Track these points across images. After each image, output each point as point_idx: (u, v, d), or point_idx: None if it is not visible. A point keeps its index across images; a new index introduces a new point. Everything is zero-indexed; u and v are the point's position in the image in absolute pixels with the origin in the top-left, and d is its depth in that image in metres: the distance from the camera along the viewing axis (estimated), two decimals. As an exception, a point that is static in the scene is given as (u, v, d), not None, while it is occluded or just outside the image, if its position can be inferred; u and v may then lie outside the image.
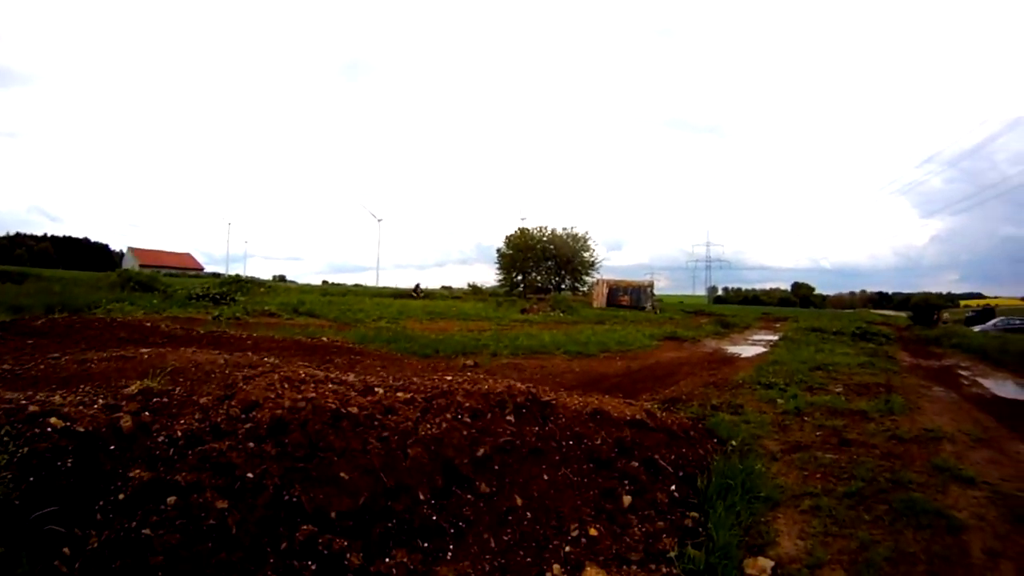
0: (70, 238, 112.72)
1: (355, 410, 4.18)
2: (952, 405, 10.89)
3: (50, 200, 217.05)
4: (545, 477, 4.63)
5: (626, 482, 4.99)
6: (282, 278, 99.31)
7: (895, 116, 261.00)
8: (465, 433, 4.46)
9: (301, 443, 3.82)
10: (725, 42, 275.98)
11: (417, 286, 59.98)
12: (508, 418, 4.95)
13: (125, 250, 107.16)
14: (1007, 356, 19.84)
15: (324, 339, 12.28)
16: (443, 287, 79.91)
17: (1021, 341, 24.60)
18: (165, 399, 4.31)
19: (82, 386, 4.57)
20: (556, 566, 3.88)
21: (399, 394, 4.70)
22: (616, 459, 5.22)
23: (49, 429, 3.51)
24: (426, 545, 3.73)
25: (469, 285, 70.86)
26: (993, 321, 46.97)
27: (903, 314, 65.13)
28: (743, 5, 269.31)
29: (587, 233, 73.52)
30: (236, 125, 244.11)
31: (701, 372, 13.73)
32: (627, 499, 4.76)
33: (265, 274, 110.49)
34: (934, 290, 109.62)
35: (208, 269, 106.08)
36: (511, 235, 72.07)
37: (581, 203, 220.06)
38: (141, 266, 76.50)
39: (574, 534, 4.21)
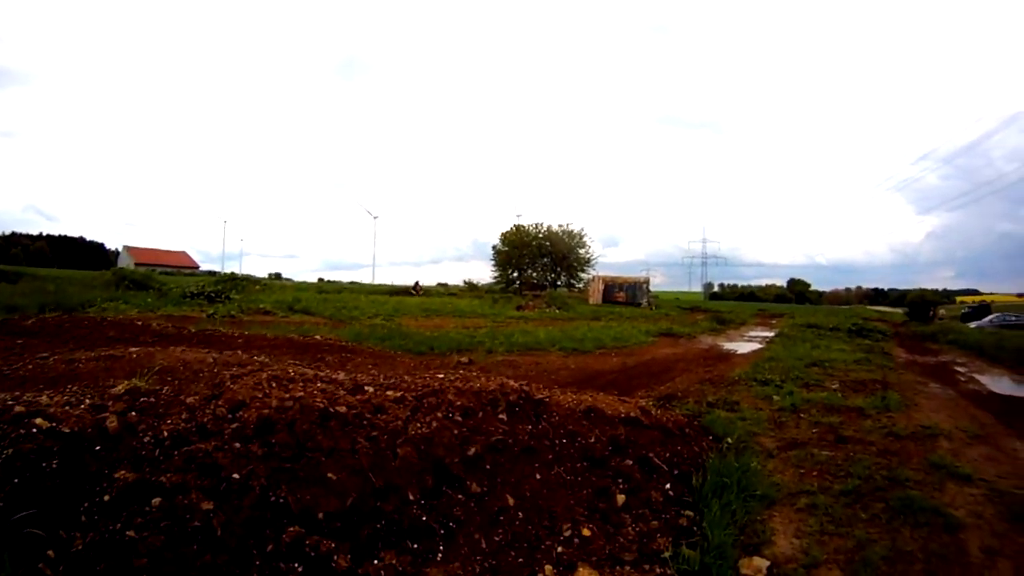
0: (66, 237, 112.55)
1: (343, 409, 4.11)
2: (949, 402, 10.88)
3: (46, 199, 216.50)
4: (538, 476, 4.57)
5: (620, 481, 4.93)
6: (278, 276, 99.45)
7: (891, 112, 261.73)
8: (456, 432, 4.40)
9: (288, 443, 3.75)
10: (720, 38, 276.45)
11: (416, 284, 60.15)
12: (500, 416, 4.89)
13: (121, 249, 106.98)
14: (1003, 352, 19.89)
15: (317, 337, 12.23)
16: (439, 284, 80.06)
17: (1017, 337, 24.71)
18: (152, 399, 4.23)
19: (69, 386, 4.50)
20: (548, 567, 3.82)
21: (389, 392, 4.63)
22: (610, 457, 5.16)
23: (34, 430, 3.44)
24: (415, 546, 3.67)
25: (465, 282, 71.03)
26: (989, 317, 47.24)
27: (899, 310, 65.29)
28: (738, 2, 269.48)
29: (583, 230, 73.87)
30: (232, 123, 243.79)
31: (697, 369, 13.72)
32: (621, 498, 4.70)
33: (261, 272, 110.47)
34: (930, 286, 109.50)
35: (204, 267, 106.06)
36: (507, 232, 72.46)
37: (577, 200, 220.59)
38: (137, 264, 76.48)
39: (567, 534, 4.15)
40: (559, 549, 4.01)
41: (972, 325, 41.67)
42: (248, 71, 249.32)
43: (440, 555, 3.69)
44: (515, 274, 72.06)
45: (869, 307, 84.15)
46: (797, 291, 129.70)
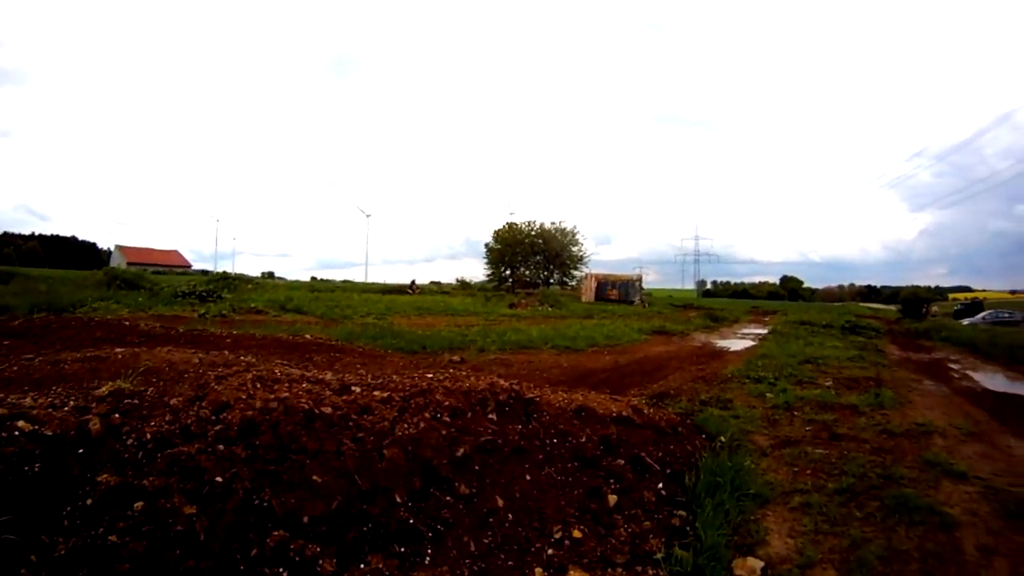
0: (58, 237, 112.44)
1: (329, 410, 4.03)
2: (942, 399, 10.87)
3: (38, 199, 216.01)
4: (528, 477, 4.50)
5: (612, 481, 4.87)
6: (271, 275, 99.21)
7: (884, 110, 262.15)
8: (444, 433, 4.32)
9: (272, 445, 3.67)
10: (714, 36, 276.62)
11: (413, 282, 60.26)
12: (490, 416, 4.82)
13: (113, 248, 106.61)
14: (997, 349, 19.95)
15: (308, 336, 12.15)
16: (432, 282, 79.74)
17: (1010, 334, 24.84)
18: (136, 400, 4.14)
19: (54, 388, 4.40)
20: (538, 569, 3.76)
21: (376, 393, 4.55)
22: (601, 457, 5.10)
23: (16, 433, 3.37)
24: (403, 549, 3.60)
25: (457, 280, 70.86)
26: (982, 314, 47.43)
27: (892, 307, 65.47)
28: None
29: (575, 227, 74.09)
30: (224, 122, 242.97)
31: (690, 366, 13.68)
32: (612, 498, 4.64)
33: (254, 271, 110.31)
34: (923, 284, 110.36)
35: (196, 266, 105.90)
36: (500, 230, 72.33)
37: (570, 197, 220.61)
38: (129, 264, 76.09)
39: (557, 536, 4.09)
40: (550, 551, 3.95)
41: (965, 322, 41.84)
42: (240, 69, 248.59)
43: (428, 558, 3.62)
44: (508, 272, 72.09)
45: (862, 304, 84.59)
46: (790, 288, 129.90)
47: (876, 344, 22.42)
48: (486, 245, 73.72)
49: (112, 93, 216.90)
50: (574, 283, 69.03)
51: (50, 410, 3.72)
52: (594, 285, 56.22)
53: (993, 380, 14.44)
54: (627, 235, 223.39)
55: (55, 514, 3.11)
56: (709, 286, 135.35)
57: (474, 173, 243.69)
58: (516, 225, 72.60)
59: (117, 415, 3.83)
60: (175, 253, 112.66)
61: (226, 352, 6.85)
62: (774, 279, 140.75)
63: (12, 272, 34.49)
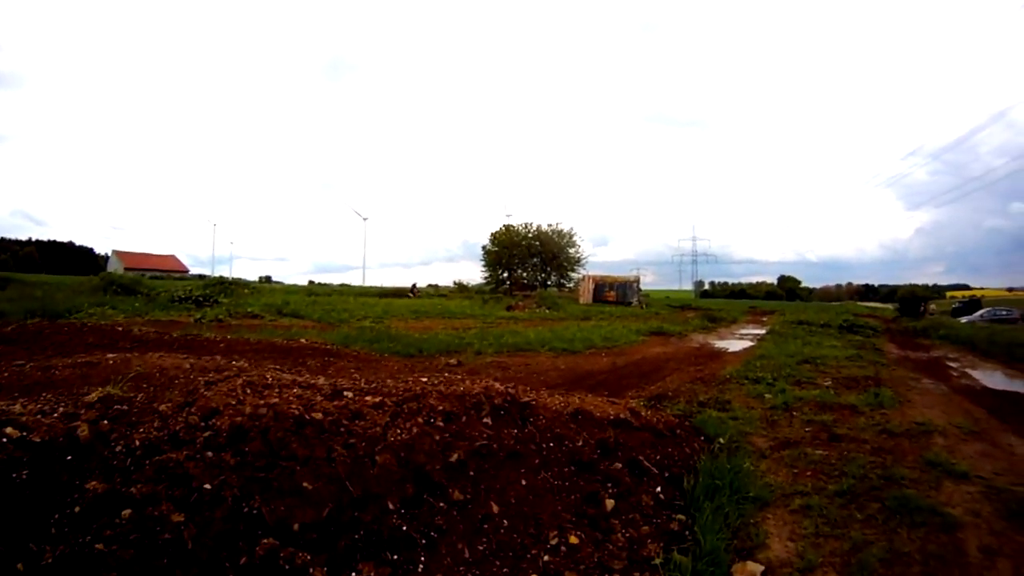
0: (55, 242, 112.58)
1: (319, 416, 3.96)
2: (942, 397, 10.82)
3: (35, 204, 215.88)
4: (523, 482, 4.43)
5: (609, 485, 4.81)
6: (268, 279, 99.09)
7: (879, 108, 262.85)
8: (438, 438, 4.25)
9: (262, 452, 3.61)
10: (709, 35, 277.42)
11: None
12: (485, 421, 4.75)
13: (110, 253, 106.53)
14: (995, 347, 19.94)
15: (303, 340, 12.07)
16: (429, 285, 79.75)
17: (1008, 331, 24.82)
18: (125, 406, 4.09)
19: (44, 394, 4.35)
20: (534, 576, 3.70)
21: (368, 398, 4.47)
22: (598, 461, 5.04)
23: (4, 440, 3.34)
24: (395, 557, 3.53)
25: (455, 283, 70.84)
26: (980, 312, 47.51)
27: (890, 306, 65.64)
28: None
29: (573, 229, 74.06)
30: (221, 126, 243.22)
31: (688, 368, 13.65)
32: (610, 503, 4.57)
33: (251, 275, 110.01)
34: (920, 282, 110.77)
35: (194, 271, 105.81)
36: (497, 232, 72.24)
37: (567, 199, 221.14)
38: (126, 269, 76.05)
39: (553, 542, 4.01)
40: (545, 558, 3.88)
41: (963, 320, 41.91)
42: (235, 73, 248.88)
43: (421, 566, 3.56)
44: (505, 274, 72.01)
45: (860, 303, 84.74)
46: (788, 288, 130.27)
47: (874, 343, 22.41)
48: (483, 248, 73.70)
49: (109, 97, 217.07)
50: (571, 285, 68.99)
51: (39, 416, 3.68)
52: (591, 287, 56.22)
53: (992, 378, 14.41)
54: (624, 236, 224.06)
55: (43, 522, 3.08)
56: (707, 287, 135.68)
57: (471, 176, 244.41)
58: (513, 227, 72.59)
59: (106, 422, 3.79)
60: (172, 258, 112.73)
61: (218, 357, 6.80)
62: (771, 279, 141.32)
63: (8, 278, 34.59)
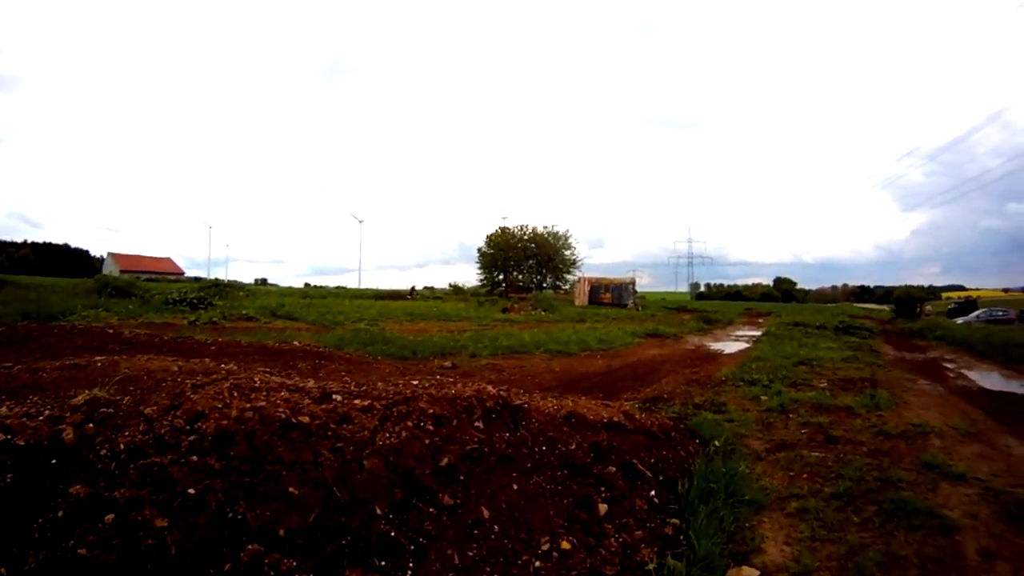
0: (50, 244, 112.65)
1: (306, 419, 3.89)
2: (939, 399, 10.79)
3: (31, 206, 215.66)
4: (515, 486, 4.37)
5: (602, 489, 4.75)
6: (264, 281, 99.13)
7: (875, 110, 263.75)
8: (427, 442, 4.18)
9: (247, 456, 3.53)
10: (706, 37, 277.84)
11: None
12: (476, 424, 4.68)
13: (105, 255, 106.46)
14: (991, 347, 19.94)
15: (295, 343, 12.02)
16: (425, 287, 79.72)
17: (1005, 332, 24.81)
18: (111, 409, 4.03)
19: (31, 396, 4.30)
20: (526, 583, 3.63)
21: (356, 401, 4.39)
22: (592, 465, 4.98)
23: (-11, 442, 3.25)
24: (383, 563, 3.46)
25: (450, 285, 70.85)
26: (976, 313, 47.67)
27: (886, 307, 65.76)
28: (724, 1, 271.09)
29: (568, 231, 74.27)
30: (217, 128, 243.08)
31: (683, 370, 13.61)
32: (603, 507, 4.50)
33: (247, 277, 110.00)
34: (916, 283, 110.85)
35: (190, 273, 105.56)
36: (492, 234, 72.20)
37: (563, 201, 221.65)
38: (121, 271, 76.03)
39: (545, 548, 3.94)
40: (537, 564, 3.81)
41: (959, 321, 41.99)
42: (232, 75, 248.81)
43: (410, 572, 3.49)
44: (501, 276, 71.95)
45: (855, 304, 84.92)
46: (783, 289, 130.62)
47: (870, 344, 22.45)
48: (479, 250, 73.68)
49: (105, 100, 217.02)
50: (567, 287, 69.12)
51: (24, 419, 3.63)
52: (587, 289, 56.38)
53: (989, 379, 14.40)
54: (620, 238, 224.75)
55: (27, 526, 3.04)
56: (702, 288, 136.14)
57: (467, 178, 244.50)
58: (509, 229, 72.54)
59: (91, 425, 3.73)
60: (168, 260, 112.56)
61: (207, 360, 6.72)
62: (767, 281, 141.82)
63: (3, 280, 34.56)
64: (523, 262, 71.70)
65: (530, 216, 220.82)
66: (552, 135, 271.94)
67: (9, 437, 3.38)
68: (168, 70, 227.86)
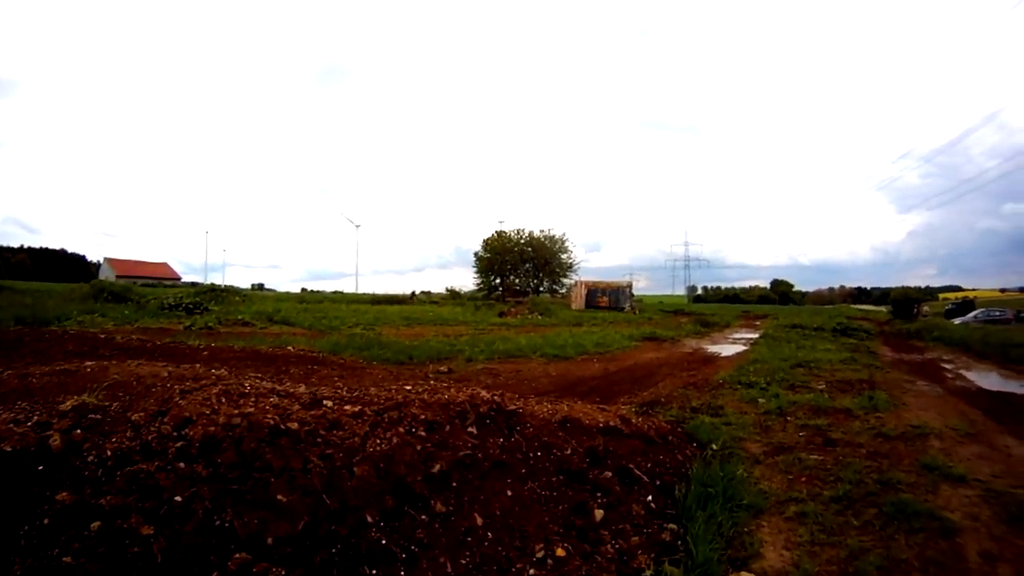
0: (47, 249, 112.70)
1: (295, 426, 3.82)
2: (937, 399, 10.76)
3: (28, 211, 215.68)
4: (509, 493, 4.30)
5: (598, 495, 4.68)
6: (261, 286, 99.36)
7: (871, 112, 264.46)
8: (419, 448, 4.11)
9: (235, 463, 3.46)
10: (702, 41, 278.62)
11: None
12: (470, 430, 4.61)
13: (102, 261, 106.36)
14: (989, 348, 19.95)
15: (289, 348, 11.92)
16: (422, 292, 79.82)
17: (1002, 332, 24.83)
18: (99, 415, 3.98)
19: (20, 402, 4.25)
20: (520, 591, 3.57)
21: (347, 407, 4.33)
22: (587, 470, 4.91)
23: (-24, 449, 3.21)
24: (374, 572, 3.38)
25: (447, 289, 70.90)
26: (973, 313, 47.81)
27: (883, 309, 65.85)
28: (720, 5, 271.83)
29: (565, 235, 74.52)
30: (214, 133, 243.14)
31: (680, 373, 13.58)
32: (599, 513, 4.43)
33: (244, 283, 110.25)
34: (913, 284, 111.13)
35: (186, 278, 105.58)
36: (489, 238, 72.32)
37: (560, 205, 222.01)
38: (118, 276, 75.91)
39: (539, 555, 3.87)
40: (531, 571, 3.74)
41: (956, 321, 42.06)
42: (229, 80, 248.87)
43: (401, 581, 3.43)
44: (497, 280, 72.06)
45: (853, 306, 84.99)
46: (780, 292, 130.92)
47: (868, 346, 22.45)
48: (475, 254, 73.86)
49: (102, 105, 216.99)
50: (564, 291, 69.22)
51: (11, 426, 3.60)
52: (584, 292, 56.46)
53: (987, 379, 14.39)
54: (617, 242, 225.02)
55: (12, 533, 3.01)
56: (700, 291, 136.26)
57: (463, 182, 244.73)
58: (505, 234, 72.70)
59: (79, 431, 3.69)
60: (164, 265, 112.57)
61: (198, 366, 6.65)
62: (764, 283, 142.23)
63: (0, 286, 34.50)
64: (520, 266, 71.85)
65: (527, 220, 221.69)
66: (548, 139, 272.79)
67: (-4, 443, 3.30)
68: (165, 75, 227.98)
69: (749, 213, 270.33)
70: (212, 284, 51.06)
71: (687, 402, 9.29)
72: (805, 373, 13.34)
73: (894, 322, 44.36)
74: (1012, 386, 13.17)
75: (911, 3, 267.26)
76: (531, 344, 17.67)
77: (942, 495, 5.46)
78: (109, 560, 2.88)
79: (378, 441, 4.01)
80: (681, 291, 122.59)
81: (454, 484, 4.10)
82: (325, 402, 4.39)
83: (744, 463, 6.22)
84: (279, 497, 3.39)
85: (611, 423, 5.75)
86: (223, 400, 4.13)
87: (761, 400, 9.75)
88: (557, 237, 72.53)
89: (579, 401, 6.99)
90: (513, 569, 3.73)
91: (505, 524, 4.04)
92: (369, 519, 3.57)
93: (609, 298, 55.05)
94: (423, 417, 4.43)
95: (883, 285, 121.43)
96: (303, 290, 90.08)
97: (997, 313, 46.04)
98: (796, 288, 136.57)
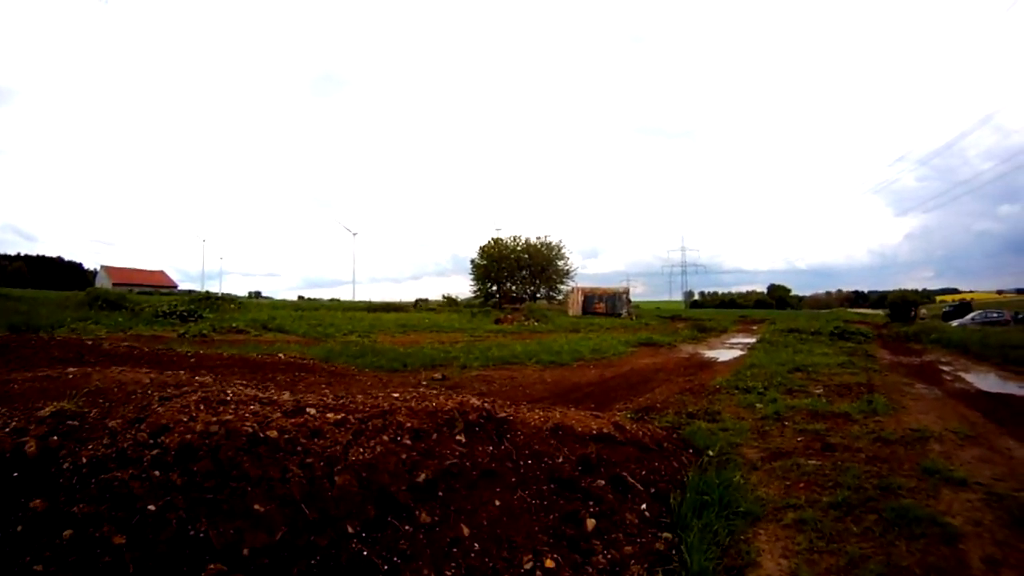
0: (44, 257, 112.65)
1: (275, 434, 3.71)
2: (936, 402, 10.68)
3: (25, 219, 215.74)
4: (497, 502, 4.18)
5: (590, 503, 4.57)
6: (257, 294, 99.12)
7: (866, 116, 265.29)
8: (404, 457, 4.00)
9: (211, 471, 3.36)
10: (698, 47, 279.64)
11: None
12: (458, 438, 4.50)
13: (98, 268, 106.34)
14: (987, 349, 19.90)
15: (280, 355, 11.89)
16: (419, 299, 79.74)
17: (1000, 334, 24.80)
18: (77, 422, 3.90)
19: (0, 408, 4.17)
20: (507, 604, 3.45)
21: (330, 415, 4.22)
22: (580, 478, 4.80)
23: (-49, 455, 3.14)
24: (354, 584, 3.28)
25: (444, 296, 70.79)
26: (971, 315, 47.87)
27: (880, 312, 65.92)
28: (715, 10, 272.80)
29: (561, 242, 74.31)
30: (210, 141, 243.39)
31: (677, 378, 13.53)
32: (591, 522, 4.32)
33: (242, 291, 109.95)
34: (910, 287, 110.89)
35: (183, 286, 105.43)
36: (485, 245, 72.18)
37: (556, 212, 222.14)
38: (114, 284, 75.94)
39: (528, 566, 3.74)
40: (519, 583, 3.63)
41: (954, 323, 42.08)
42: (225, 88, 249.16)
43: (384, 594, 3.31)
44: (494, 287, 71.92)
45: (850, 310, 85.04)
46: (777, 296, 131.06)
47: (866, 349, 22.40)
48: (472, 261, 73.67)
49: (99, 113, 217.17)
50: (561, 297, 69.13)
51: (-11, 431, 3.49)
52: (581, 299, 56.52)
53: (986, 381, 14.31)
54: (613, 248, 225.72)
55: None
56: (697, 297, 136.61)
57: (460, 190, 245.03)
58: (502, 240, 72.54)
59: (56, 437, 3.61)
60: (161, 273, 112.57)
61: (182, 372, 6.59)
62: (761, 288, 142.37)
63: (-5, 293, 34.52)
64: (516, 273, 71.67)
65: (523, 227, 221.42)
66: (545, 146, 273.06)
67: (-29, 449, 3.23)
68: (162, 84, 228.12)
69: (746, 218, 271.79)
70: (207, 292, 51.05)
71: (683, 408, 9.21)
72: (803, 377, 13.27)
73: (891, 325, 44.38)
74: (1011, 388, 13.10)
75: (906, 7, 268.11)
76: (527, 350, 17.63)
77: (943, 500, 5.36)
78: (80, 570, 2.81)
79: (361, 450, 3.90)
80: (678, 297, 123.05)
81: (440, 494, 3.99)
82: (308, 410, 4.29)
83: (741, 469, 6.11)
84: (256, 507, 3.29)
85: (605, 430, 5.67)
86: (202, 407, 4.04)
87: (758, 405, 9.67)
88: (554, 244, 72.45)
89: (573, 408, 6.92)
90: (500, 581, 3.62)
91: (493, 534, 3.92)
92: (350, 529, 3.46)
93: (606, 304, 55.09)
94: (409, 425, 4.33)
95: (880, 288, 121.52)
96: (300, 298, 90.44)
97: (995, 315, 46.10)
98: (793, 292, 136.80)
